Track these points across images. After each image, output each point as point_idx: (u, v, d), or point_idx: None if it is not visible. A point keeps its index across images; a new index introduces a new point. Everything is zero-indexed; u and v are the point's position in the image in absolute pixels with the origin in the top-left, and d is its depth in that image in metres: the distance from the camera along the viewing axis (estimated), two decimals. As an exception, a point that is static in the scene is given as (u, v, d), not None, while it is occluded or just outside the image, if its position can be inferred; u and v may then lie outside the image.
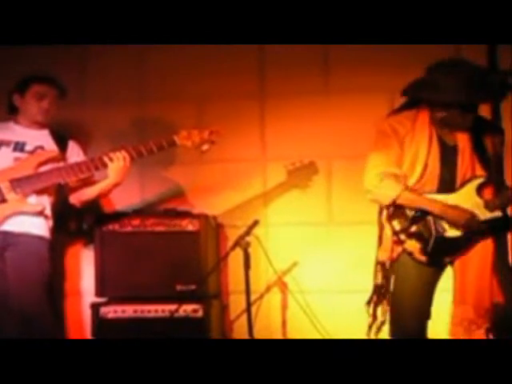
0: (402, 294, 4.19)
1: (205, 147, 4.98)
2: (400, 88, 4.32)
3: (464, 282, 4.15)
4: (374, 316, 4.26)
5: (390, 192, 4.08)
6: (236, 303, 5.57)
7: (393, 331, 4.19)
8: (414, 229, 4.10)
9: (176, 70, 5.87)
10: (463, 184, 4.13)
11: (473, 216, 4.07)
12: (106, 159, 4.86)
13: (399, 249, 4.17)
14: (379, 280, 4.24)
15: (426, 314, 4.20)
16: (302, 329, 5.52)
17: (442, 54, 5.32)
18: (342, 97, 5.70)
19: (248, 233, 5.20)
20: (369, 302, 4.27)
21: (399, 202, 4.08)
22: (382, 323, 4.24)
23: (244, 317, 5.24)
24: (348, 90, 5.67)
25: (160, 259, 5.38)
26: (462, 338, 4.06)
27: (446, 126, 4.11)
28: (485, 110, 4.64)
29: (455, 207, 4.07)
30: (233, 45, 5.32)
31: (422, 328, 4.19)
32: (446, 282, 4.29)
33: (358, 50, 5.57)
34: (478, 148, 4.13)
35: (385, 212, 4.17)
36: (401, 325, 4.18)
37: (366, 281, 4.60)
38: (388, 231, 4.17)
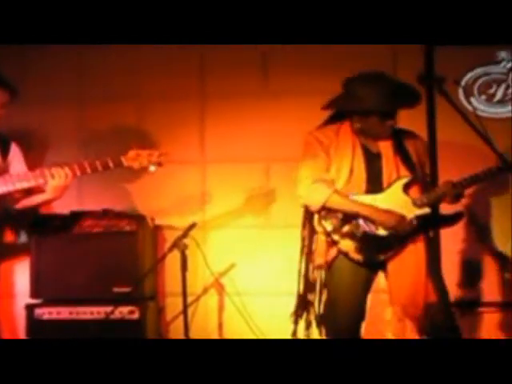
0: (337, 295, 4.24)
1: (151, 169, 4.84)
2: (338, 91, 4.40)
3: (398, 281, 4.22)
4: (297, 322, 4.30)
5: (319, 196, 4.19)
6: (173, 305, 5.55)
7: (327, 333, 4.22)
8: (346, 229, 4.19)
9: (116, 71, 5.84)
10: (390, 185, 4.23)
11: (402, 217, 4.17)
12: (47, 175, 4.73)
13: (334, 251, 4.22)
14: (301, 290, 4.28)
15: (360, 315, 4.26)
16: (238, 331, 5.52)
17: (378, 57, 5.45)
18: (281, 99, 5.72)
19: (186, 235, 5.20)
20: (297, 308, 4.30)
21: (329, 205, 4.18)
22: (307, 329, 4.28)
23: (180, 319, 5.24)
24: (287, 92, 5.70)
25: (97, 260, 5.35)
26: (394, 338, 4.12)
27: (367, 134, 4.25)
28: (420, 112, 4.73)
29: (384, 210, 4.18)
30: (173, 46, 5.35)
31: (357, 329, 4.25)
32: (378, 283, 4.35)
33: (297, 52, 5.64)
34: (401, 154, 4.27)
35: (316, 216, 4.21)
36: (336, 327, 4.22)
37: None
38: (321, 235, 4.22)
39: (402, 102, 4.22)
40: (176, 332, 5.46)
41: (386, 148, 4.26)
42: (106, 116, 5.79)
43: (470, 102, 5.42)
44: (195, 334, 5.25)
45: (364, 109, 4.15)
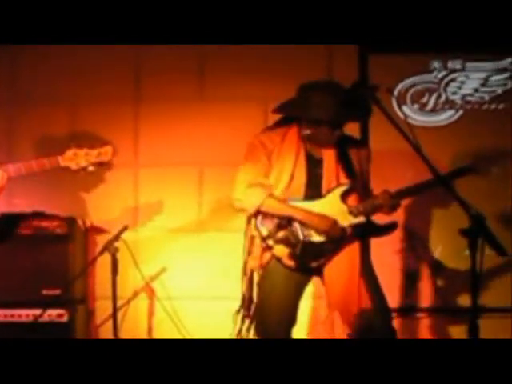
0: (269, 301, 4.24)
1: (90, 169, 4.66)
2: (274, 98, 4.41)
3: (334, 287, 4.23)
4: (240, 328, 4.29)
5: (254, 199, 4.19)
6: (102, 308, 5.51)
7: (257, 336, 4.23)
8: (281, 234, 4.19)
9: (50, 73, 5.77)
10: (328, 191, 4.25)
11: (335, 223, 4.19)
12: None
13: (268, 256, 4.23)
14: (245, 290, 4.27)
15: (292, 320, 4.27)
16: (168, 335, 5.50)
17: (314, 65, 5.49)
18: (217, 105, 5.73)
19: (117, 238, 5.16)
20: (238, 311, 4.29)
21: (264, 209, 4.19)
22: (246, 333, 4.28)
23: (110, 322, 5.20)
24: (223, 99, 5.71)
25: (26, 263, 5.29)
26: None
27: (314, 141, 4.26)
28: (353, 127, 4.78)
29: (318, 214, 4.20)
30: (108, 49, 5.31)
31: (287, 334, 4.26)
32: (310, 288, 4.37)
33: (233, 59, 5.65)
34: (343, 161, 4.28)
35: (253, 220, 4.23)
36: (267, 331, 4.23)
37: (233, 288, 4.62)
38: (257, 239, 4.24)
39: (353, 113, 4.24)
40: (105, 336, 5.42)
41: (328, 155, 4.27)
42: (39, 117, 5.71)
43: (402, 111, 5.48)
44: (124, 337, 5.21)
45: (316, 117, 4.16)
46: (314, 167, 4.25)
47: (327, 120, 4.15)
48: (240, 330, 4.28)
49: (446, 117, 5.70)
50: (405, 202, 4.98)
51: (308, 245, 4.18)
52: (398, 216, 4.38)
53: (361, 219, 4.25)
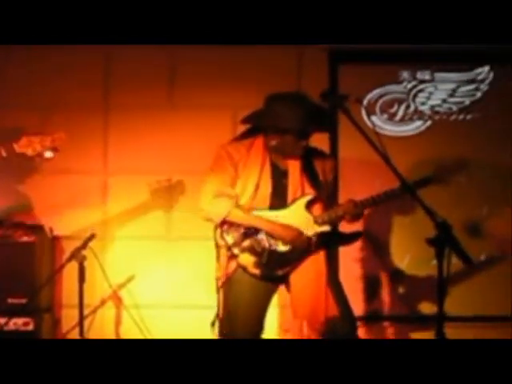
0: (236, 308, 4.24)
1: (47, 155, 4.75)
2: (243, 106, 4.43)
3: (299, 296, 4.24)
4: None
5: (220, 209, 4.21)
6: (69, 317, 5.45)
7: None
8: (246, 243, 4.22)
9: (19, 78, 5.72)
10: (293, 201, 4.27)
11: (300, 233, 4.22)
12: None
13: (234, 264, 4.24)
14: (218, 297, 4.27)
15: (259, 329, 4.28)
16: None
17: (284, 75, 5.49)
18: (186, 113, 5.72)
19: (84, 246, 5.12)
20: (213, 323, 4.28)
21: (230, 219, 4.21)
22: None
23: (76, 331, 5.15)
24: (192, 107, 5.70)
25: (-7, 271, 5.23)
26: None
27: (280, 152, 4.28)
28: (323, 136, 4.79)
29: (283, 225, 4.23)
30: (78, 56, 5.29)
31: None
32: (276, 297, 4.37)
33: (203, 67, 5.65)
34: (308, 172, 4.31)
35: (218, 229, 4.25)
36: (233, 336, 4.22)
37: (201, 297, 4.64)
38: (223, 248, 4.24)
39: (318, 125, 4.28)
40: (71, 344, 5.37)
41: (293, 166, 4.30)
42: (7, 123, 5.66)
43: (371, 120, 5.50)
44: (91, 346, 5.18)
45: (281, 127, 4.19)
46: (279, 178, 4.29)
47: (293, 130, 4.18)
48: None
49: (414, 127, 5.73)
50: (371, 211, 5.02)
51: (273, 253, 4.22)
52: (363, 224, 4.40)
53: (326, 228, 4.27)
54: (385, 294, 5.67)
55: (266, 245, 4.20)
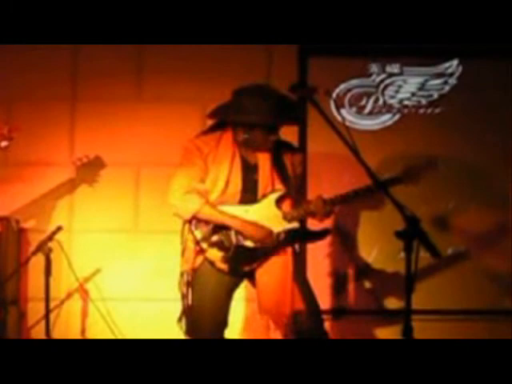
0: (200, 303, 4.22)
1: (3, 144, 4.80)
2: (212, 99, 4.40)
3: (265, 291, 4.25)
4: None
5: (191, 206, 4.20)
6: (35, 310, 5.42)
7: (189, 335, 4.21)
8: (215, 238, 4.21)
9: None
10: (263, 197, 4.27)
11: (269, 232, 4.22)
12: None
13: (200, 259, 4.23)
14: (182, 292, 4.25)
15: (223, 323, 4.28)
16: (101, 336, 5.42)
17: (253, 66, 5.49)
18: (154, 105, 5.69)
19: (50, 238, 5.09)
20: (180, 319, 4.26)
21: (200, 216, 4.19)
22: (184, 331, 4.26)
23: (42, 324, 5.13)
24: (160, 99, 5.68)
25: (-43, 263, 5.18)
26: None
27: (249, 146, 4.27)
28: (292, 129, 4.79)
29: (253, 223, 4.22)
30: (45, 45, 5.24)
31: (220, 336, 4.27)
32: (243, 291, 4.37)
33: (172, 60, 5.63)
34: (278, 167, 4.30)
35: (187, 224, 4.24)
36: (198, 334, 4.21)
37: (167, 289, 4.60)
38: (190, 242, 4.23)
39: (286, 117, 4.26)
40: (37, 337, 5.31)
41: (263, 160, 4.29)
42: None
43: (340, 114, 5.49)
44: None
45: (249, 122, 4.17)
46: (249, 173, 4.28)
47: (260, 124, 4.17)
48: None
49: (383, 120, 5.74)
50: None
51: (241, 249, 4.21)
52: (332, 219, 4.40)
53: (294, 225, 4.27)
54: (352, 289, 5.67)
55: (234, 240, 4.20)
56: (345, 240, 5.66)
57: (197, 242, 4.20)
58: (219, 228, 4.20)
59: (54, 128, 5.68)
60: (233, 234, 4.20)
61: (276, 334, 4.36)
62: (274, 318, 4.29)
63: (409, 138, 5.63)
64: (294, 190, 4.35)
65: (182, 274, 4.25)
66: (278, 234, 4.24)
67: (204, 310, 4.22)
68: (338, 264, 5.68)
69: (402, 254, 3.56)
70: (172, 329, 4.30)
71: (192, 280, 4.21)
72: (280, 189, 4.27)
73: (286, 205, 4.30)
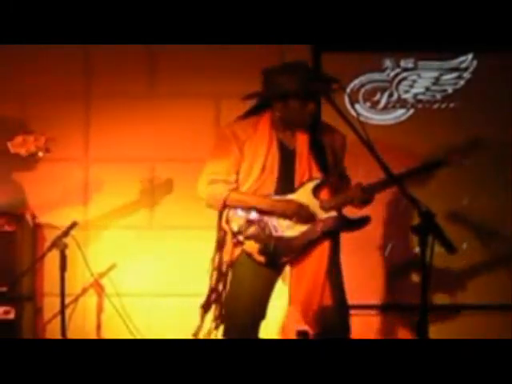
0: (237, 293, 4.21)
1: (40, 154, 4.75)
2: (225, 95, 4.39)
3: (297, 283, 4.21)
4: (203, 320, 4.24)
5: (218, 194, 4.16)
6: (50, 305, 5.43)
7: (226, 329, 4.21)
8: (251, 230, 4.15)
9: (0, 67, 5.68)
10: (300, 186, 4.19)
11: (301, 206, 4.14)
12: None
13: (238, 251, 4.19)
14: (214, 284, 4.23)
15: (260, 314, 4.24)
16: (116, 332, 5.46)
17: (267, 63, 5.48)
18: (168, 101, 5.68)
19: (66, 234, 5.11)
20: (203, 306, 4.24)
21: (229, 203, 4.15)
22: (214, 328, 4.24)
23: (58, 319, 5.15)
24: (174, 95, 5.67)
25: (-27, 259, 5.20)
26: (292, 338, 4.17)
27: (288, 123, 4.19)
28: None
29: (282, 199, 4.15)
30: (58, 44, 5.26)
31: (255, 327, 4.22)
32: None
33: (185, 54, 5.62)
34: (316, 152, 4.21)
35: (224, 215, 4.20)
36: (234, 323, 4.20)
37: (183, 285, 4.63)
38: (228, 234, 4.20)
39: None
40: (53, 333, 5.36)
41: (302, 144, 4.19)
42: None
43: (354, 109, 5.48)
44: (73, 335, 5.18)
45: (282, 91, 4.09)
46: (286, 159, 4.19)
47: (295, 93, 4.08)
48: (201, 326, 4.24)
49: (397, 115, 5.73)
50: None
51: (279, 240, 4.15)
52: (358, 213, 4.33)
53: (332, 214, 4.19)
54: (372, 284, 5.65)
55: (272, 231, 4.15)
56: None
57: (233, 234, 4.16)
58: (255, 219, 4.14)
59: (68, 124, 5.68)
60: (269, 225, 4.15)
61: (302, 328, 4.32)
62: (303, 310, 4.23)
63: (423, 132, 5.62)
64: (335, 176, 4.25)
65: (220, 266, 4.22)
66: (314, 215, 4.15)
67: (240, 301, 4.19)
68: (359, 258, 5.65)
69: (417, 249, 3.56)
70: (187, 324, 4.31)
71: (230, 271, 4.20)
72: (317, 177, 4.19)
73: (324, 193, 4.21)
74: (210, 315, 4.23)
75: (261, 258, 4.17)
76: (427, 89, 5.72)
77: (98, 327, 5.54)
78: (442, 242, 3.52)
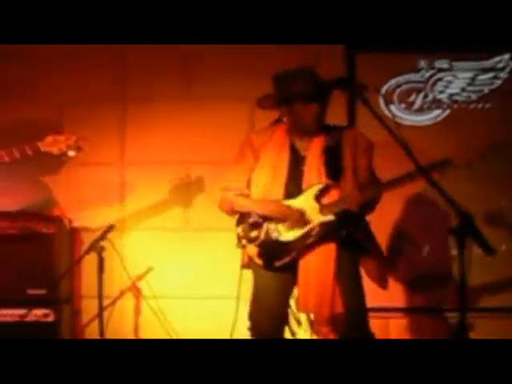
0: (257, 298, 4.26)
1: (71, 153, 4.80)
2: (260, 96, 4.41)
3: (304, 288, 4.21)
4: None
5: (225, 201, 4.29)
6: (88, 308, 5.48)
7: (252, 331, 4.25)
8: (253, 234, 4.22)
9: (37, 73, 5.74)
10: (305, 190, 4.22)
11: (288, 207, 4.17)
12: None
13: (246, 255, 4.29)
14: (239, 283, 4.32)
15: (282, 319, 4.29)
16: (154, 334, 5.49)
17: (303, 63, 5.48)
18: (203, 103, 5.70)
19: (103, 237, 5.13)
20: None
21: (236, 209, 4.26)
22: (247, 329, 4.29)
23: (96, 322, 5.17)
24: (209, 97, 5.69)
25: (12, 262, 5.25)
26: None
27: (298, 128, 4.23)
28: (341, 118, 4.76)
29: (273, 202, 4.20)
30: (95, 49, 5.31)
31: (279, 332, 4.27)
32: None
33: (220, 57, 5.64)
34: (329, 157, 4.24)
35: (235, 220, 4.28)
36: (258, 328, 4.24)
37: (218, 287, 4.65)
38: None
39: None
40: (91, 335, 5.40)
41: (314, 150, 4.23)
42: (26, 118, 5.66)
43: (389, 110, 5.48)
44: (110, 336, 5.20)
45: (286, 94, 4.17)
46: (296, 164, 4.24)
47: (297, 93, 4.14)
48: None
49: (432, 116, 5.71)
50: (392, 202, 4.98)
51: (276, 244, 4.19)
52: (386, 216, 4.35)
53: (329, 218, 4.18)
54: (407, 286, 5.63)
55: (269, 235, 4.19)
56: (399, 237, 5.61)
57: (239, 238, 4.25)
58: (257, 224, 4.20)
59: (104, 128, 5.72)
60: (268, 228, 4.19)
61: (321, 331, 4.33)
62: (317, 315, 4.27)
63: (459, 133, 5.59)
64: (350, 180, 4.22)
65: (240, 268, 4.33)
66: (312, 229, 4.16)
67: (260, 306, 4.24)
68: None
69: (455, 251, 3.54)
70: (224, 327, 4.33)
71: (241, 274, 4.30)
72: (322, 182, 4.20)
73: (329, 198, 4.20)
74: (243, 316, 4.28)
75: (259, 261, 4.23)
76: (463, 89, 5.70)
77: (136, 329, 5.57)
78: (481, 243, 3.50)
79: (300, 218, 4.17)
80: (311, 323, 4.64)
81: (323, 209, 4.19)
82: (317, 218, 4.19)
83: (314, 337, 4.52)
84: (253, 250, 4.22)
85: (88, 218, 5.63)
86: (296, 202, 4.21)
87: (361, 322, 4.21)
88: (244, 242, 4.23)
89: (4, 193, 5.56)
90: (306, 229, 4.17)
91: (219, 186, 4.31)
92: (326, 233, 4.19)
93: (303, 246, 4.19)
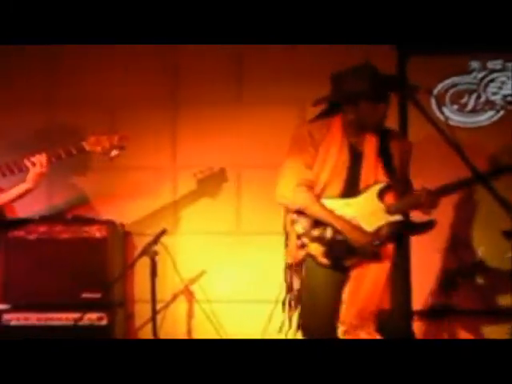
0: (310, 297, 4.22)
1: (114, 153, 4.80)
2: (311, 100, 4.39)
3: (356, 287, 4.18)
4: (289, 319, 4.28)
5: (300, 201, 4.16)
6: (142, 312, 5.52)
7: (305, 331, 4.23)
8: (316, 232, 4.16)
9: (88, 76, 5.79)
10: (366, 189, 4.19)
11: (370, 242, 4.13)
12: (27, 163, 4.64)
13: (303, 252, 4.20)
14: (287, 283, 4.27)
15: (336, 314, 4.22)
16: (207, 338, 5.45)
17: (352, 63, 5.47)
18: (255, 107, 5.72)
19: (155, 241, 5.17)
20: (283, 303, 4.28)
21: (307, 212, 4.15)
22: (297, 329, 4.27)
23: (149, 325, 5.22)
24: (260, 101, 5.70)
25: (66, 266, 5.30)
26: (347, 338, 4.15)
27: (359, 126, 4.19)
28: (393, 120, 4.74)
29: (357, 228, 4.14)
30: (147, 54, 5.34)
31: (333, 332, 4.21)
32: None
33: (272, 62, 5.65)
34: (384, 156, 4.21)
35: (289, 216, 4.22)
36: (311, 327, 4.22)
37: (272, 291, 4.62)
38: (292, 235, 4.22)
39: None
40: (145, 338, 5.41)
41: (370, 147, 4.20)
42: (77, 122, 5.72)
43: (442, 112, 5.43)
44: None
45: (353, 94, 4.11)
46: (354, 162, 4.19)
47: (366, 94, 4.09)
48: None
49: (486, 117, 5.66)
50: (446, 202, 4.94)
51: (342, 243, 4.14)
52: (440, 215, 4.30)
53: (397, 218, 4.16)
54: (461, 287, 5.57)
55: (336, 234, 4.13)
56: (453, 237, 5.56)
57: (298, 236, 4.18)
58: (320, 222, 4.14)
59: (156, 133, 5.76)
60: (330, 227, 4.13)
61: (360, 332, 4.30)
62: (360, 314, 4.20)
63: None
64: (401, 181, 4.24)
65: (286, 267, 4.26)
66: (380, 229, 4.15)
67: (315, 305, 4.21)
68: (446, 261, 5.59)
69: (510, 254, 3.51)
70: (276, 329, 4.33)
71: (297, 273, 4.22)
72: (383, 181, 4.18)
73: (389, 197, 4.19)
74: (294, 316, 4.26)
75: (325, 261, 4.16)
76: (517, 90, 5.65)
77: (189, 333, 5.59)
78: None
79: (367, 245, 4.12)
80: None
81: (390, 208, 4.17)
82: (384, 218, 4.16)
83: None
84: (317, 248, 4.15)
85: (141, 223, 5.67)
86: (358, 201, 4.16)
87: (405, 321, 4.20)
88: (305, 240, 4.17)
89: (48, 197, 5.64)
90: (375, 228, 4.14)
91: (292, 183, 4.16)
92: (394, 232, 4.16)
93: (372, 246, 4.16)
